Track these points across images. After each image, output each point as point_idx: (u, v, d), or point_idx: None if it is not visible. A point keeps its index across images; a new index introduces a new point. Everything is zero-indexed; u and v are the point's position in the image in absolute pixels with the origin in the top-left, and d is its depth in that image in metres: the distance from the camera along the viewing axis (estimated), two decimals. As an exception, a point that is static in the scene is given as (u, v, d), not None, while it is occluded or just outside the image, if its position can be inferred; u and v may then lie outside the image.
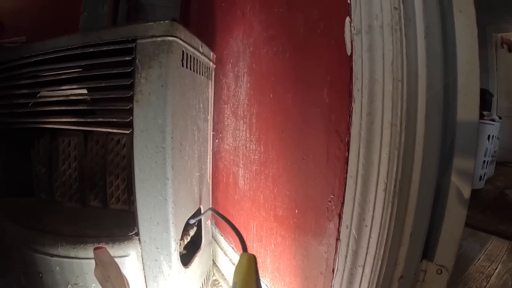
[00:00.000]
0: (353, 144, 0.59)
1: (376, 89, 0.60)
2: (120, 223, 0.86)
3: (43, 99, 0.88)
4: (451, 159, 0.64)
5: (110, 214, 0.93)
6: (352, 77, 0.61)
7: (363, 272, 0.64)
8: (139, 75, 0.77)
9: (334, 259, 0.65)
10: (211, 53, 0.97)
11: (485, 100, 2.31)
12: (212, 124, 1.00)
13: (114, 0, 1.15)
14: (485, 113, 2.16)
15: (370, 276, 0.63)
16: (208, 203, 1.03)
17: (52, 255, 0.81)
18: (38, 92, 0.91)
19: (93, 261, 0.68)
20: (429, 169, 0.64)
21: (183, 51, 0.80)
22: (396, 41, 0.60)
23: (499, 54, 2.83)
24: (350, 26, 0.62)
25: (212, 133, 1.00)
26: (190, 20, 1.20)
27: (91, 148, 0.98)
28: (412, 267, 0.70)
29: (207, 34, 1.08)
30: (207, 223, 1.01)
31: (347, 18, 0.62)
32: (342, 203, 0.62)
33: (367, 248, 0.62)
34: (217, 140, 1.02)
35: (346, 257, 0.64)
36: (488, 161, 2.29)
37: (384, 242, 0.61)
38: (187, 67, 0.82)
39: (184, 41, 0.80)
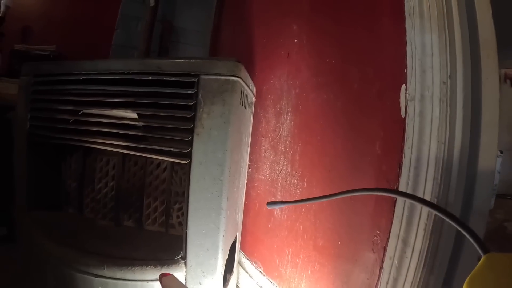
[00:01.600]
0: (399, 200, 0.69)
1: (423, 148, 0.71)
2: (163, 246, 0.89)
3: (92, 119, 0.87)
4: (471, 204, 0.76)
5: (147, 236, 0.94)
6: (404, 136, 0.72)
7: None
8: (201, 109, 0.81)
9: (376, 285, 0.75)
10: (255, 89, 1.02)
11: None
12: (249, 155, 1.06)
13: (150, 20, 1.14)
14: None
15: None
16: (240, 228, 1.07)
17: (97, 276, 0.80)
18: (81, 110, 0.89)
19: (138, 283, 0.71)
20: (455, 213, 0.76)
21: (241, 90, 0.85)
22: (442, 111, 0.72)
23: (502, 88, 3.08)
24: (406, 93, 0.73)
25: (248, 163, 1.06)
26: (221, 47, 1.24)
27: (128, 168, 0.97)
28: None
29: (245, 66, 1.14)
30: (238, 247, 1.05)
31: (403, 86, 0.73)
32: (387, 238, 0.72)
33: (406, 275, 0.73)
34: (250, 170, 1.07)
35: (387, 283, 0.75)
36: (488, 194, 2.44)
37: (420, 271, 0.72)
38: (243, 105, 0.87)
39: (244, 81, 0.85)
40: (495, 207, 2.57)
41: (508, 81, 3.08)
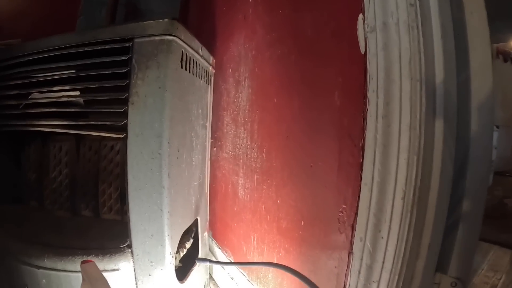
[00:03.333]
0: (368, 149, 0.52)
1: (393, 89, 0.53)
2: (112, 234, 0.77)
3: (34, 101, 0.80)
4: (466, 164, 0.57)
5: (101, 225, 0.84)
6: (366, 77, 0.54)
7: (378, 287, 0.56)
8: (135, 75, 0.69)
9: (346, 275, 0.57)
10: (211, 58, 0.90)
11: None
12: (210, 132, 0.93)
13: (113, 5, 1.08)
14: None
15: None
16: (205, 214, 0.94)
17: (38, 267, 0.71)
18: (30, 94, 0.83)
19: (80, 275, 0.59)
20: (446, 175, 0.57)
21: (182, 52, 0.73)
22: (414, 39, 0.53)
23: (494, 64, 2.80)
24: (364, 24, 0.56)
25: (210, 140, 0.93)
26: (189, 25, 1.13)
27: (83, 154, 0.89)
28: (428, 281, 0.63)
29: (207, 39, 1.02)
30: (204, 235, 0.92)
31: (360, 15, 0.56)
32: (356, 214, 0.54)
33: (383, 262, 0.54)
34: (215, 149, 0.95)
35: (359, 272, 0.56)
36: (485, 170, 2.20)
37: (401, 255, 0.53)
38: (186, 69, 0.75)
39: (184, 42, 0.73)
40: (494, 184, 2.21)
41: (500, 56, 2.75)
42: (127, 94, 0.70)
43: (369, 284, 0.56)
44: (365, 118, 0.52)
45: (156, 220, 0.69)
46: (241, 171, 0.83)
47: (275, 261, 0.73)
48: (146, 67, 0.69)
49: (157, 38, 0.69)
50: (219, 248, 0.97)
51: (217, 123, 0.92)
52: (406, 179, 0.50)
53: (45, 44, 0.80)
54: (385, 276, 0.55)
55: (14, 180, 0.95)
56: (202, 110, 0.85)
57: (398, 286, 0.56)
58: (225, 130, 0.89)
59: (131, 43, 0.70)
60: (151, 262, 0.71)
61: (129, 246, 0.72)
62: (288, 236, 0.69)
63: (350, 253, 0.56)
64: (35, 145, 0.93)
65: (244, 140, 0.81)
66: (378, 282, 0.56)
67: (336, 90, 0.58)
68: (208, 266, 0.98)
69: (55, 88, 0.77)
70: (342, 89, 0.57)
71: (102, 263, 0.70)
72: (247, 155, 0.80)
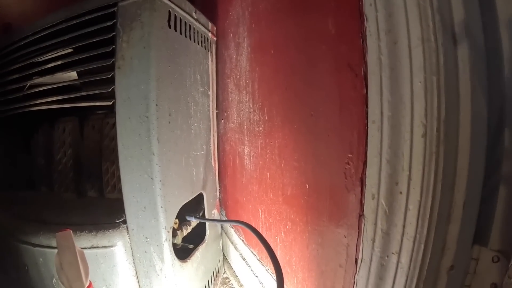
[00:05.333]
0: (372, 76, 0.40)
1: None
2: (111, 211, 0.72)
3: (33, 82, 0.80)
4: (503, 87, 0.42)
5: (104, 204, 0.80)
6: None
7: (398, 262, 0.43)
8: (120, 39, 0.65)
9: (357, 245, 0.45)
10: (210, 24, 0.83)
11: None
12: (215, 102, 0.85)
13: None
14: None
15: (409, 267, 0.42)
16: (213, 190, 0.86)
17: (35, 245, 0.69)
18: (30, 76, 0.83)
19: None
20: (479, 103, 0.43)
21: (169, 11, 0.67)
22: None
23: None
24: None
25: (216, 111, 0.85)
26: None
27: (87, 134, 0.87)
28: (464, 254, 0.49)
29: (210, 10, 0.96)
30: (213, 213, 0.84)
31: None
32: (364, 163, 0.42)
33: (404, 226, 0.41)
34: (223, 121, 0.87)
35: (373, 241, 0.44)
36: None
37: (428, 216, 0.40)
38: (176, 30, 0.69)
39: (171, 1, 0.68)
40: None
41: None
42: (113, 59, 0.65)
43: (387, 257, 0.43)
44: (364, 39, 0.40)
45: (148, 190, 0.63)
46: (246, 138, 0.74)
47: (282, 236, 0.63)
48: (130, 29, 0.64)
49: (140, -2, 0.64)
50: (232, 227, 0.89)
51: (223, 93, 0.84)
52: (426, 110, 0.37)
53: (40, 24, 0.79)
54: (408, 245, 0.41)
55: (26, 167, 0.97)
56: (201, 77, 0.78)
57: (425, 259, 0.42)
58: (230, 98, 0.81)
59: (115, 8, 0.66)
60: (146, 238, 0.65)
61: (125, 222, 0.67)
62: (293, 205, 0.58)
63: (361, 216, 0.44)
64: (42, 130, 0.93)
65: (247, 104, 0.72)
66: (399, 254, 0.42)
67: (329, 17, 0.47)
68: (221, 247, 0.90)
69: (49, 66, 0.76)
70: (335, 13, 0.46)
71: (95, 239, 0.65)
72: (250, 120, 0.71)
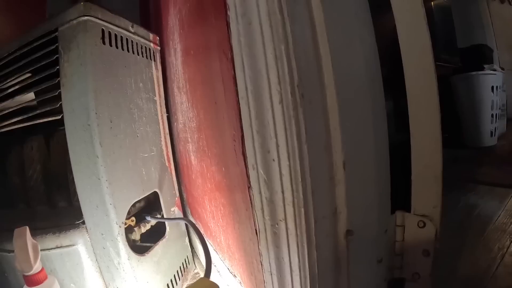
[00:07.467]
0: (236, 57, 0.45)
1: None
2: (75, 215, 0.80)
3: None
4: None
5: (72, 210, 0.87)
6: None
7: (287, 228, 0.45)
8: (62, 60, 0.72)
9: (252, 215, 0.49)
10: (151, 35, 0.90)
11: (485, 55, 2.00)
12: (163, 106, 0.92)
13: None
14: (485, 66, 1.84)
15: (296, 233, 0.45)
16: (170, 189, 0.92)
17: (10, 251, 0.77)
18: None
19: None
20: (346, 60, 0.47)
21: (103, 29, 0.75)
22: None
23: (491, 8, 2.46)
24: None
25: (166, 114, 0.92)
26: (151, 21, 1.17)
27: (53, 149, 0.95)
28: (371, 218, 0.51)
29: (158, 25, 1.04)
30: (172, 210, 0.90)
31: None
32: (242, 137, 0.47)
33: (282, 192, 0.44)
34: (175, 123, 0.93)
35: (262, 210, 0.47)
36: (497, 114, 1.94)
37: (300, 180, 0.43)
38: (111, 45, 0.77)
39: (103, 20, 0.75)
40: (509, 129, 2.14)
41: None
42: (59, 79, 0.73)
43: (277, 224, 0.45)
44: (228, 26, 0.46)
45: (97, 190, 0.70)
46: (189, 136, 0.80)
47: (220, 221, 0.68)
48: (69, 50, 0.72)
49: (74, 21, 0.72)
50: (199, 224, 0.94)
51: (172, 97, 0.91)
52: (279, 77, 0.41)
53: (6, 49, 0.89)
54: (290, 211, 0.44)
55: (4, 187, 1.05)
56: (145, 84, 0.85)
57: (309, 225, 0.43)
58: (176, 101, 0.87)
59: (57, 33, 0.75)
60: (102, 234, 0.72)
61: (84, 222, 0.74)
62: (221, 189, 0.63)
63: (249, 187, 0.48)
64: (14, 151, 1.02)
65: (185, 104, 0.78)
66: (285, 220, 0.45)
67: (211, 12, 0.53)
68: (188, 244, 0.96)
69: (9, 91, 0.85)
70: (214, 7, 0.51)
71: (59, 239, 0.72)
72: (188, 118, 0.77)
